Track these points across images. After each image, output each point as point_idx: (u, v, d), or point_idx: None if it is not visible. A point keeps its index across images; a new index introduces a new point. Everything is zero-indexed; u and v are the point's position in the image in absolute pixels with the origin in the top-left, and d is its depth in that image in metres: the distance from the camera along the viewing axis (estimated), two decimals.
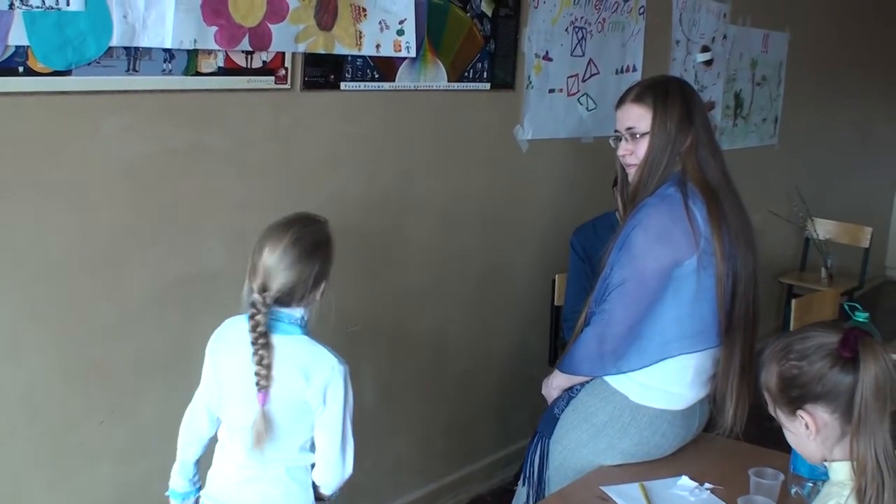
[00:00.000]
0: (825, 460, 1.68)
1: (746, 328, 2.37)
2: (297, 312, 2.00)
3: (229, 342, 2.04)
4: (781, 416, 1.70)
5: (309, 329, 2.03)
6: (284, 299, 1.96)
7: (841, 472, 1.64)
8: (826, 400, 1.62)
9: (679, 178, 2.34)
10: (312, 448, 2.05)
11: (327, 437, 2.01)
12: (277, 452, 2.01)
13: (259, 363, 1.94)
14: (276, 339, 1.96)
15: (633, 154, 2.41)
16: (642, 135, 2.38)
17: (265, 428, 1.95)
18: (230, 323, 2.07)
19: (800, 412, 1.64)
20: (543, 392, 2.58)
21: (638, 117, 2.39)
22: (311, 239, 1.98)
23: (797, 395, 1.64)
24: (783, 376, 1.66)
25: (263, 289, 1.93)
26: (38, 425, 2.26)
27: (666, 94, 2.38)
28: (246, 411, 1.97)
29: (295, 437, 2.02)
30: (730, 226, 2.31)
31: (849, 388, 1.59)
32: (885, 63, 6.57)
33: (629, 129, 2.41)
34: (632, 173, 2.43)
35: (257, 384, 1.94)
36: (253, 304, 1.94)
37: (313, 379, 1.97)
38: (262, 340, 1.93)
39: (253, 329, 1.93)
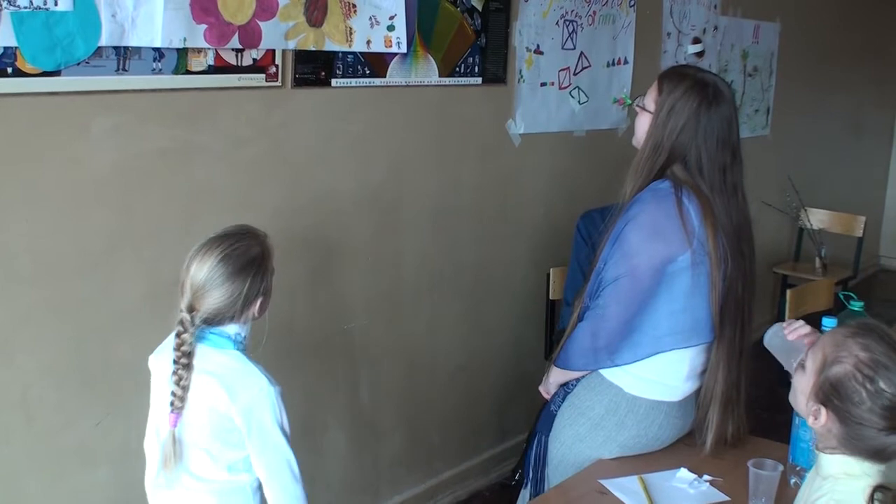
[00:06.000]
0: (806, 415, 1.64)
1: (736, 325, 2.33)
2: (230, 329, 1.90)
3: (165, 359, 1.94)
4: (804, 382, 1.62)
5: (245, 346, 1.93)
6: (214, 319, 1.87)
7: (831, 466, 1.61)
8: (851, 429, 1.56)
9: (674, 173, 2.32)
10: (250, 468, 1.94)
11: (266, 469, 1.89)
12: (198, 474, 1.91)
13: (177, 384, 1.86)
14: (205, 350, 1.88)
15: (635, 126, 2.40)
16: (644, 109, 2.36)
17: (173, 451, 1.87)
18: (168, 340, 1.95)
19: (823, 406, 1.59)
20: (541, 388, 2.57)
21: (650, 91, 2.37)
22: (240, 256, 1.87)
23: (834, 402, 1.57)
24: (842, 380, 1.56)
25: (191, 308, 1.85)
26: (33, 428, 2.25)
27: (683, 88, 2.30)
28: (164, 429, 1.91)
29: (220, 457, 1.90)
30: (724, 223, 2.29)
31: (880, 447, 1.54)
32: (875, 52, 6.57)
33: (640, 97, 2.40)
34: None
35: (171, 404, 1.86)
36: (181, 323, 1.86)
37: (239, 397, 1.86)
38: (183, 360, 1.85)
39: (177, 348, 1.86)
